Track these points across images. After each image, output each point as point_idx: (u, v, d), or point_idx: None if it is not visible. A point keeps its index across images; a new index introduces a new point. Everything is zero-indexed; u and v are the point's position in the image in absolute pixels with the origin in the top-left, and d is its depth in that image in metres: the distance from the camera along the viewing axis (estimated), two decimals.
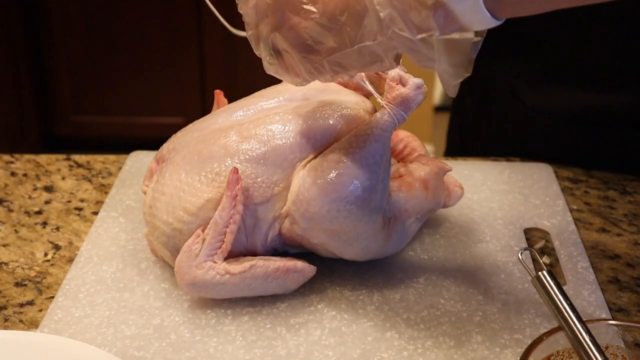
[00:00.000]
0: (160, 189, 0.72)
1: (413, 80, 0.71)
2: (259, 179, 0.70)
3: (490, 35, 0.58)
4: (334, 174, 0.68)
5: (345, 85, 0.78)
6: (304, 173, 0.70)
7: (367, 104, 0.76)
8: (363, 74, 0.75)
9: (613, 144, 0.97)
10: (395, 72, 0.71)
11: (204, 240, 0.69)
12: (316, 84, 0.77)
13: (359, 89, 0.78)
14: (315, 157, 0.71)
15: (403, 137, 0.81)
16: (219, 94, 0.81)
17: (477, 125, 1.11)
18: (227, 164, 0.70)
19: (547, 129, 1.00)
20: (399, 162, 0.80)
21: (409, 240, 0.77)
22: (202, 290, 0.69)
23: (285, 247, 0.74)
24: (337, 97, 0.75)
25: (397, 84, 0.71)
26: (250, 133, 0.72)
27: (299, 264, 0.71)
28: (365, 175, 0.68)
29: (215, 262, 0.69)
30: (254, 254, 0.72)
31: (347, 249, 0.72)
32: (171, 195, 0.71)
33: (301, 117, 0.72)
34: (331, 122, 0.72)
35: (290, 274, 0.71)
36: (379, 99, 0.72)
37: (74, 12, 2.67)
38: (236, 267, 0.69)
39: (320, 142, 0.72)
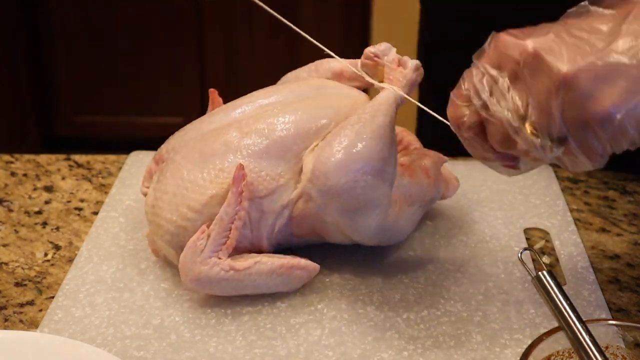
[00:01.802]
0: (162, 188, 0.72)
1: (412, 62, 0.73)
2: (262, 173, 0.70)
3: (490, 28, 0.58)
4: (350, 146, 0.69)
5: (341, 80, 0.78)
6: (318, 151, 0.70)
7: (364, 96, 0.76)
8: (358, 61, 0.75)
9: None
10: (393, 54, 0.74)
11: (208, 236, 0.69)
12: (313, 81, 0.77)
13: (354, 79, 0.78)
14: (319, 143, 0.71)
15: (397, 131, 0.82)
16: (213, 93, 0.81)
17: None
18: (229, 160, 0.70)
19: None
20: None
21: (413, 228, 0.78)
22: (207, 287, 0.69)
23: (290, 240, 0.74)
24: (335, 91, 0.76)
25: (397, 66, 0.73)
26: (251, 128, 0.72)
27: (303, 261, 0.72)
28: (379, 146, 0.69)
29: (220, 258, 0.69)
30: (258, 248, 0.72)
31: (359, 225, 0.71)
32: (174, 193, 0.71)
33: (300, 109, 0.73)
34: (331, 110, 0.73)
35: (294, 271, 0.71)
36: (376, 84, 0.73)
37: (74, 13, 2.66)
38: (241, 263, 0.69)
39: (322, 130, 0.72)
